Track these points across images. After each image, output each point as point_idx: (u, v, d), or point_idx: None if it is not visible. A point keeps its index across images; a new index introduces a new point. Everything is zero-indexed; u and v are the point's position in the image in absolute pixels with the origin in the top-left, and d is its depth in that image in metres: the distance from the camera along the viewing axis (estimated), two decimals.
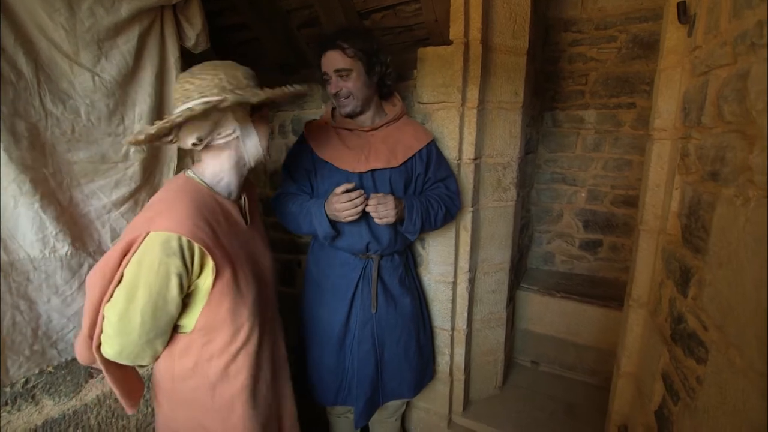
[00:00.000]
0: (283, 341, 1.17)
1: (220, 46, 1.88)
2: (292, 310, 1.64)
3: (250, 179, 1.17)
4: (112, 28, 1.02)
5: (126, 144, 0.88)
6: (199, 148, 0.91)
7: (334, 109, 1.47)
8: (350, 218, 1.26)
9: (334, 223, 1.31)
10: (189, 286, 0.88)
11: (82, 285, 1.04)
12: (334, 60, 1.31)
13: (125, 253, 0.82)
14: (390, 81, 1.43)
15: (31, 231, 0.93)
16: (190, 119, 0.83)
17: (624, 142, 2.50)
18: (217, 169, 0.95)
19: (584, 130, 2.60)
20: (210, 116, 0.87)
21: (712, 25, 0.87)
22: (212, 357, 0.95)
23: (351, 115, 1.41)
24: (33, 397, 1.03)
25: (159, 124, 0.82)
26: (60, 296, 1.00)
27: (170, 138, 0.90)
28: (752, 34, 0.66)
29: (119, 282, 0.82)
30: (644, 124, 2.35)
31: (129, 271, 0.82)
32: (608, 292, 2.38)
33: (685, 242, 0.97)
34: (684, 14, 1.08)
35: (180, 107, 0.86)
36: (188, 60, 1.16)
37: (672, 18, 1.14)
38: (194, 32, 1.22)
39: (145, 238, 0.81)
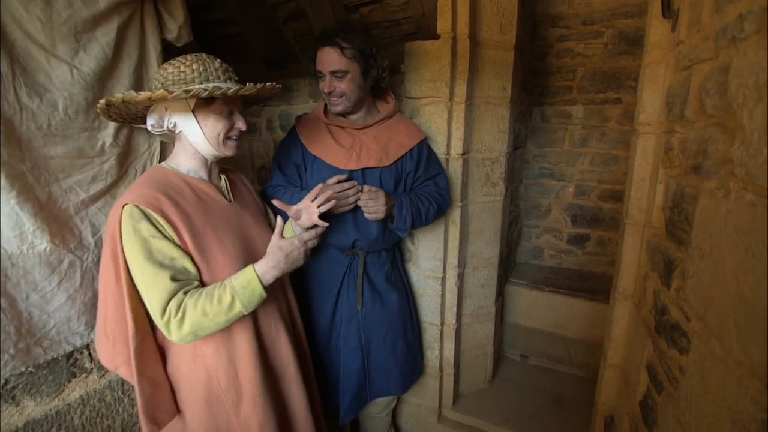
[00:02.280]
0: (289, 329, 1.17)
1: (207, 40, 1.85)
2: None
3: (232, 168, 1.22)
4: (90, 20, 0.99)
5: (99, 108, 0.91)
6: (157, 132, 1.00)
7: (326, 104, 1.45)
8: (342, 209, 1.26)
9: (324, 216, 1.30)
10: (178, 246, 0.93)
11: (62, 281, 1.02)
12: (330, 59, 1.27)
13: (112, 242, 0.91)
14: (384, 83, 1.42)
15: (8, 227, 0.91)
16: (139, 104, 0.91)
17: (610, 138, 2.53)
18: (180, 155, 1.03)
19: (572, 125, 2.62)
20: (156, 109, 0.95)
21: (695, 20, 0.88)
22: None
23: (342, 114, 1.40)
24: (13, 397, 1.00)
25: (127, 94, 0.87)
26: (39, 293, 0.98)
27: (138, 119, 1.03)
28: (733, 29, 0.66)
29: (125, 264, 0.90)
30: (630, 119, 2.38)
31: (124, 246, 0.90)
32: (596, 286, 2.42)
33: (669, 235, 0.98)
34: (668, 9, 1.09)
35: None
36: (174, 53, 1.14)
37: (656, 13, 1.15)
38: (176, 25, 1.19)
39: (120, 216, 0.90)
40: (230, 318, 0.92)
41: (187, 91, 0.85)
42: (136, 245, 0.88)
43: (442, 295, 1.81)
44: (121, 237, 0.89)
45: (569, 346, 2.37)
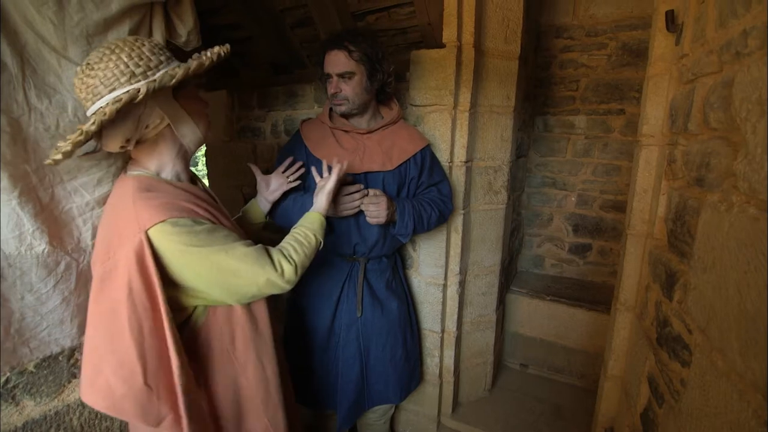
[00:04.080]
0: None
1: (213, 43, 1.87)
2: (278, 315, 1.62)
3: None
4: (102, 24, 1.00)
5: (47, 164, 0.80)
6: (129, 147, 0.84)
7: (331, 109, 1.47)
8: (347, 212, 1.26)
9: (327, 221, 1.31)
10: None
11: (58, 283, 1.01)
12: (338, 61, 1.30)
13: (143, 272, 0.79)
14: (389, 89, 1.44)
15: (7, 227, 0.91)
16: (107, 122, 0.74)
17: (613, 148, 2.53)
18: (158, 162, 0.92)
19: (574, 135, 2.63)
20: (129, 112, 0.78)
21: (699, 34, 0.89)
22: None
23: (346, 116, 1.41)
24: (13, 397, 1.00)
25: (72, 137, 0.74)
26: (34, 294, 0.98)
27: (95, 147, 0.88)
28: (737, 43, 0.67)
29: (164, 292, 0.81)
30: (633, 130, 2.39)
31: (179, 263, 0.83)
32: (597, 296, 2.41)
33: (671, 247, 0.98)
34: (672, 23, 1.10)
35: (91, 109, 0.78)
36: (179, 56, 1.15)
37: (660, 26, 1.16)
38: (185, 29, 1.20)
39: (149, 240, 0.79)
40: (313, 252, 1.04)
41: (187, 68, 0.79)
42: (204, 247, 0.82)
43: (443, 303, 1.80)
44: (155, 261, 0.79)
45: (569, 356, 2.36)
